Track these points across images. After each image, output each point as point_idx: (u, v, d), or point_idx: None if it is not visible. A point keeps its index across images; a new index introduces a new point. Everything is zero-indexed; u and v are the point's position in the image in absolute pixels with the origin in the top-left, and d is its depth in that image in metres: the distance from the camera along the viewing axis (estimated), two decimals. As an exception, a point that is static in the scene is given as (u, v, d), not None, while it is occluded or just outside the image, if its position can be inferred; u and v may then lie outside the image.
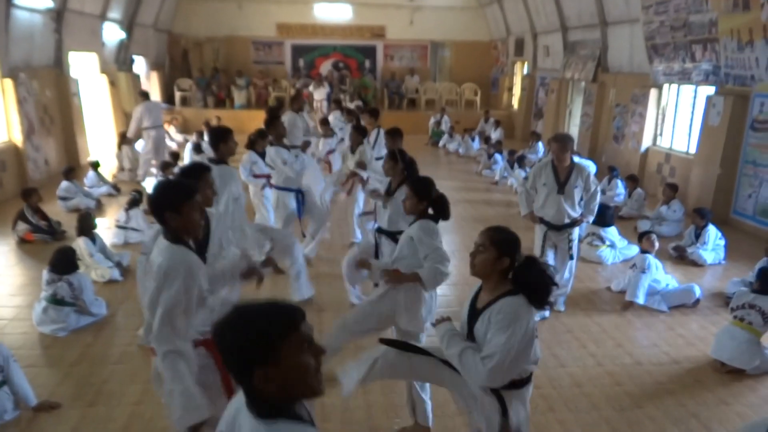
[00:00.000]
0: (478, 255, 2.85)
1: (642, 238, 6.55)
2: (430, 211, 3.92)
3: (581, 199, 5.68)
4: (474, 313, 2.89)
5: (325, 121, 10.52)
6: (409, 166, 5.23)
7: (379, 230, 5.27)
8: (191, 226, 2.84)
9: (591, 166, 7.38)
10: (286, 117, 8.64)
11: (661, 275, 6.30)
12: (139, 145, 13.69)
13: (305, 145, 7.37)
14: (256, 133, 7.85)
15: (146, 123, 11.39)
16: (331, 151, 9.98)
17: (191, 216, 2.81)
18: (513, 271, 2.83)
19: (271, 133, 6.72)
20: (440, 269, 3.66)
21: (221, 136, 4.93)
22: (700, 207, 8.02)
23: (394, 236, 5.12)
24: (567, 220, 5.67)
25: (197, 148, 11.64)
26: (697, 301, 6.17)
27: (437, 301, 4.06)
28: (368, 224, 7.24)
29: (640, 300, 6.11)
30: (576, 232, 5.87)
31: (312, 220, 7.05)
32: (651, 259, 6.23)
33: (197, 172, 3.67)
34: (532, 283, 2.77)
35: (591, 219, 5.93)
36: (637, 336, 5.58)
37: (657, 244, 6.42)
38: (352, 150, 7.29)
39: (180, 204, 2.78)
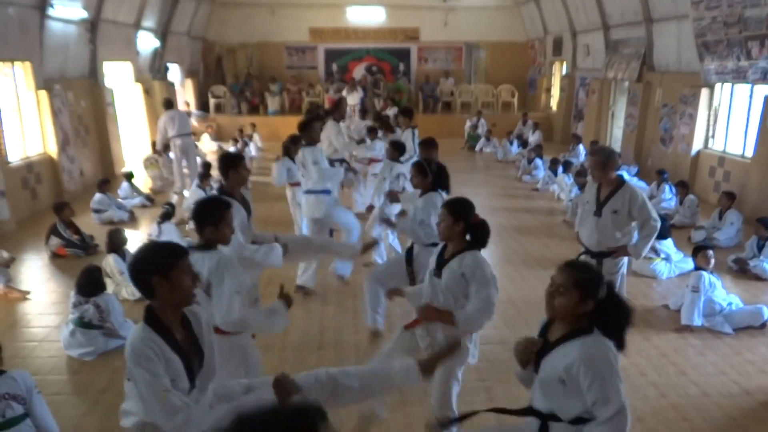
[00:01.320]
0: (558, 297, 2.49)
1: (697, 253, 6.05)
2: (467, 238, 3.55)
3: (626, 228, 4.77)
4: (545, 344, 2.60)
5: (372, 129, 10.09)
6: (437, 175, 4.91)
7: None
8: (181, 295, 2.46)
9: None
10: (329, 128, 8.33)
11: (721, 293, 5.80)
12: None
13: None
14: (288, 139, 7.70)
15: (171, 132, 11.16)
16: (374, 160, 9.05)
17: (182, 282, 2.43)
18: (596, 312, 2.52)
19: (305, 137, 6.42)
20: (483, 317, 3.36)
21: (231, 163, 4.43)
22: (763, 217, 7.44)
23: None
24: (602, 248, 4.83)
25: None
26: (765, 323, 5.66)
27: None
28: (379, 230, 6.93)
29: (696, 322, 5.62)
30: (617, 265, 4.86)
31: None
32: (706, 276, 5.72)
33: (217, 209, 3.35)
34: (608, 323, 2.50)
35: (639, 254, 4.82)
36: (702, 362, 5.11)
37: (713, 261, 5.89)
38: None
39: (168, 269, 2.41)
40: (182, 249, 2.54)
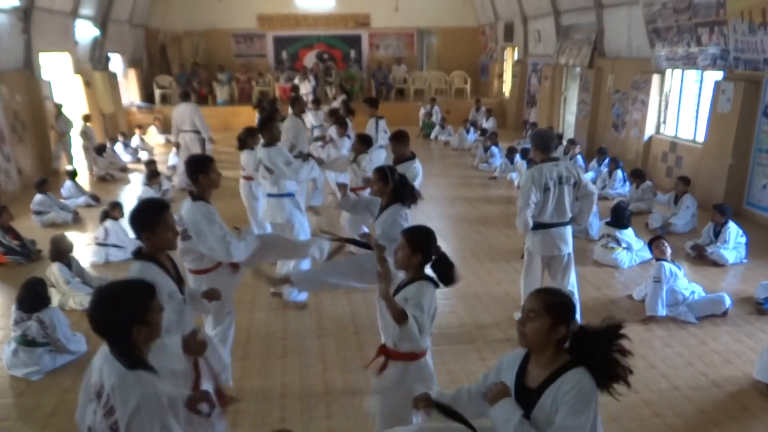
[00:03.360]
0: (529, 323, 2.32)
1: (652, 244, 6.07)
2: (428, 271, 3.24)
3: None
4: (524, 392, 2.38)
5: (341, 124, 9.67)
6: (400, 186, 4.45)
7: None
8: (156, 331, 2.35)
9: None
10: (289, 122, 8.04)
11: (683, 282, 5.82)
12: (118, 149, 13.13)
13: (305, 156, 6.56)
14: (244, 132, 7.36)
15: (184, 126, 10.59)
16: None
17: (157, 320, 2.33)
18: (570, 343, 2.35)
19: (265, 137, 6.07)
20: (415, 333, 2.99)
21: (201, 166, 4.03)
22: (720, 203, 7.54)
23: None
24: None
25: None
26: (726, 311, 5.72)
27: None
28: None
29: (661, 313, 5.64)
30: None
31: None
32: (667, 266, 5.72)
33: (151, 212, 3.07)
34: (594, 356, 2.29)
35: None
36: (669, 353, 5.12)
37: (669, 250, 5.91)
38: (354, 159, 6.69)
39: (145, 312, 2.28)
40: (151, 287, 2.37)
